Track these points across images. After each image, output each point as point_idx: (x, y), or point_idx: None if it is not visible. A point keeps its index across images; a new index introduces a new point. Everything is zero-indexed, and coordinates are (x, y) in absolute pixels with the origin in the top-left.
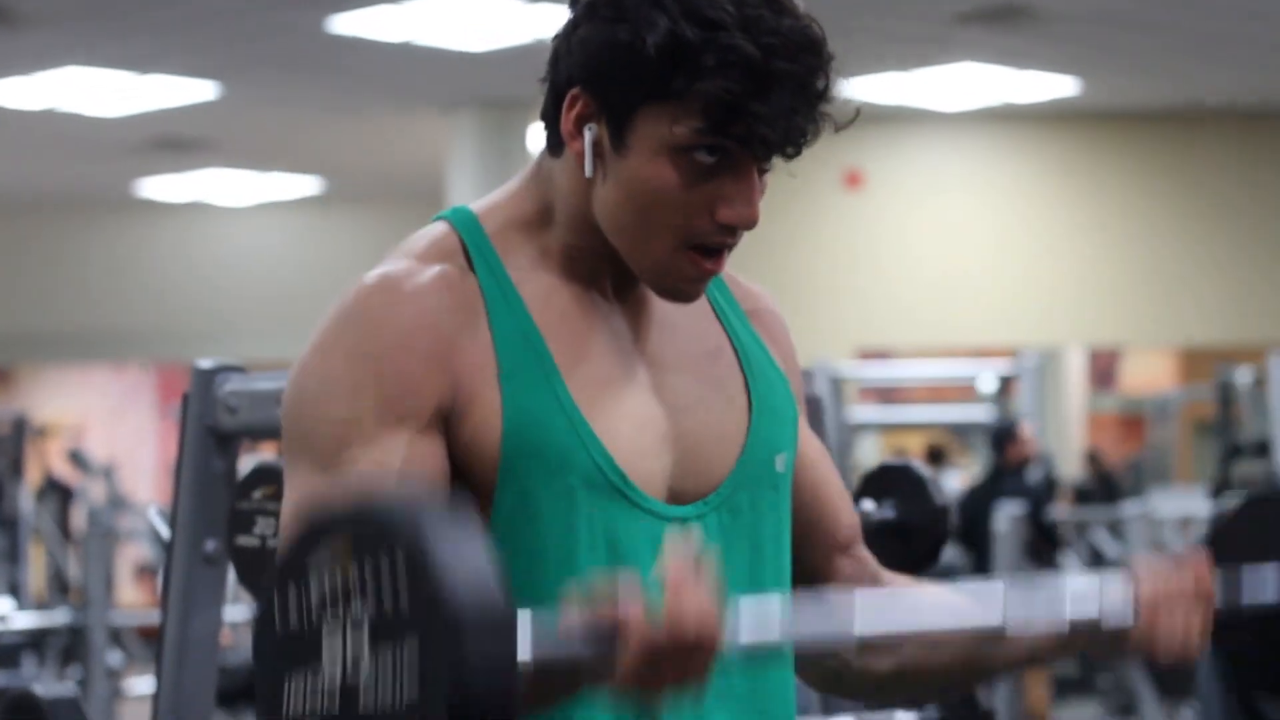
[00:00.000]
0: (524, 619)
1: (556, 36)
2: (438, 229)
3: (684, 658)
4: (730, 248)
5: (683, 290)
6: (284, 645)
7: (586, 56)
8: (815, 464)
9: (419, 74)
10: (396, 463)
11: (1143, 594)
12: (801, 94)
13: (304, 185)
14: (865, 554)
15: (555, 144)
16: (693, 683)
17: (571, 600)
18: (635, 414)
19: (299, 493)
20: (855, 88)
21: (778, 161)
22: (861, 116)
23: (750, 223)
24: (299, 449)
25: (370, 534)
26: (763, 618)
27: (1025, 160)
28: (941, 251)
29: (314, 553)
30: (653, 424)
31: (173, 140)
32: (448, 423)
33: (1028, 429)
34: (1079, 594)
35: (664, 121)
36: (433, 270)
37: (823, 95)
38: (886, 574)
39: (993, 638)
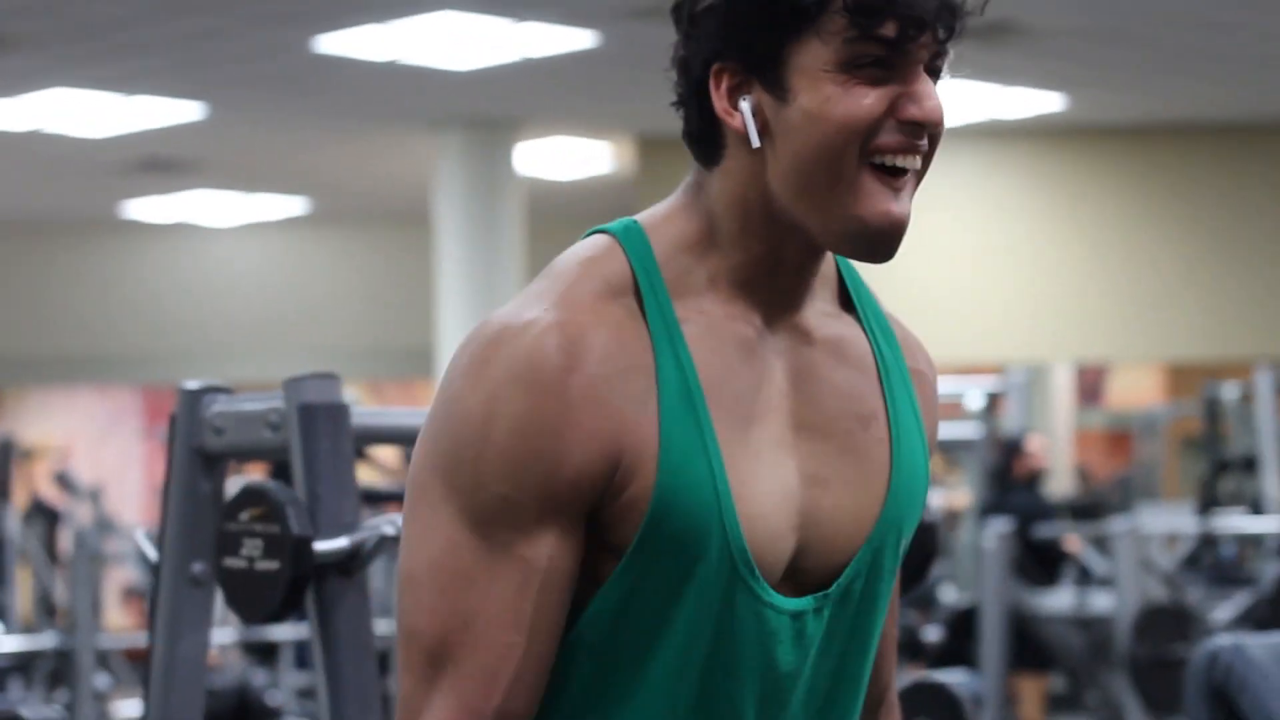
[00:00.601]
0: None
1: (675, 51)
2: (606, 249)
3: None
4: (921, 158)
5: (879, 236)
6: None
7: (716, 27)
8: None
9: (406, 94)
10: (543, 562)
11: None
12: None
13: (290, 205)
14: (894, 700)
15: (710, 152)
16: None
17: None
18: (775, 490)
19: (445, 541)
20: None
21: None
22: None
23: (935, 117)
24: (448, 494)
25: None
26: None
27: (1012, 176)
28: (928, 268)
29: None
30: (788, 502)
31: (159, 161)
32: (602, 495)
33: (1035, 442)
34: None
35: (814, 47)
36: (608, 326)
37: None
38: None
39: None
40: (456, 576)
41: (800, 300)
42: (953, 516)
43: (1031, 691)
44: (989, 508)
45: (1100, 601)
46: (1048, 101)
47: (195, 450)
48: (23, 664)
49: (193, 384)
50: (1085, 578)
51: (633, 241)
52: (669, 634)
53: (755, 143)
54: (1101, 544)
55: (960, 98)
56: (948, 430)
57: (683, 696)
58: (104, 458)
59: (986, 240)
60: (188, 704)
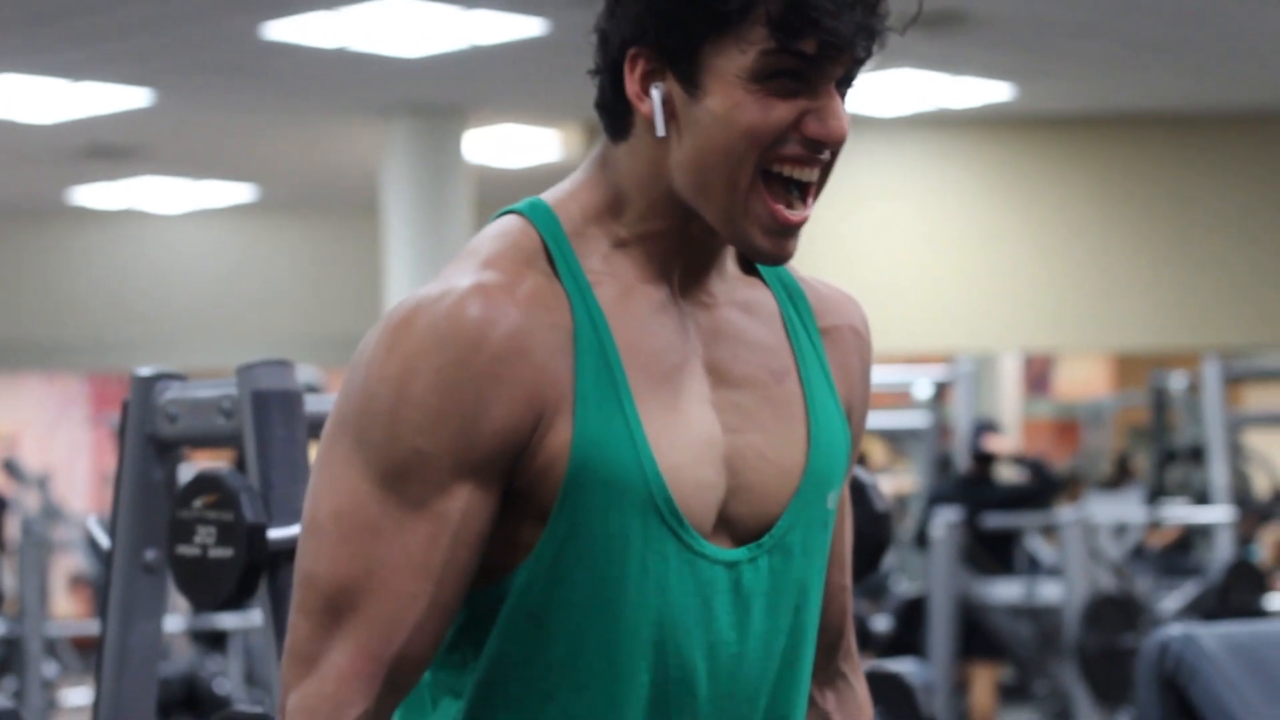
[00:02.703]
0: None
1: (599, 21)
2: (514, 226)
3: None
4: (819, 171)
5: (773, 242)
6: None
7: (638, 12)
8: (838, 523)
9: (354, 81)
10: (455, 517)
11: None
12: None
13: (239, 192)
14: (851, 643)
15: (619, 127)
16: None
17: None
18: (698, 441)
19: (351, 491)
20: None
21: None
22: None
23: (839, 137)
24: (357, 448)
25: None
26: None
27: (961, 166)
28: (877, 257)
29: None
30: (711, 450)
31: (106, 148)
32: (522, 453)
33: (1001, 431)
34: None
35: (731, 52)
36: (527, 285)
37: None
38: (857, 684)
39: None
40: (362, 527)
41: (708, 268)
42: (900, 505)
43: (983, 680)
44: (951, 498)
45: (1049, 591)
46: (996, 91)
47: (148, 437)
48: None
49: (146, 371)
50: (1034, 567)
51: (540, 216)
52: (609, 594)
53: (661, 132)
54: (1049, 533)
55: (908, 87)
56: (895, 420)
57: (636, 658)
58: (52, 445)
59: (934, 230)
60: (140, 692)
